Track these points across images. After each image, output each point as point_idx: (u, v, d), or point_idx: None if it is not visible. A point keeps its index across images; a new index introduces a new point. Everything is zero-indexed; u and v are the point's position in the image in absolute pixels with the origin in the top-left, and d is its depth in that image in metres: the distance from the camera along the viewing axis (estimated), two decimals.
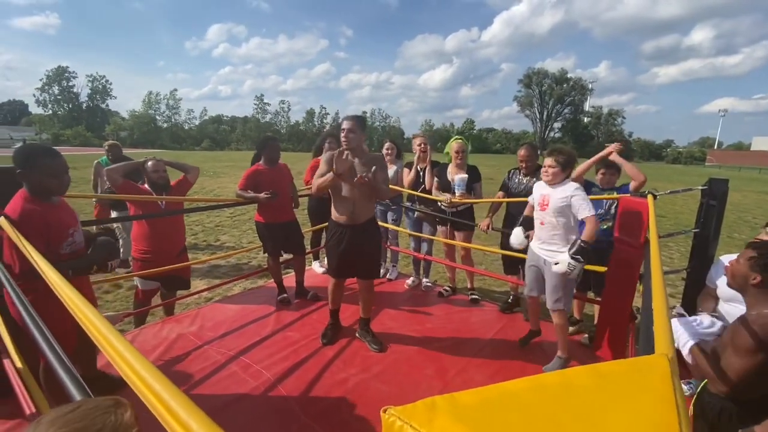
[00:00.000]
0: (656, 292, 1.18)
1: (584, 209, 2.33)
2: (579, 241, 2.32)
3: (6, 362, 1.81)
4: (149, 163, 3.04)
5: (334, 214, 2.74)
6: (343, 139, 2.61)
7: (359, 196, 2.65)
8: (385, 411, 0.47)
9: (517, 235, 2.73)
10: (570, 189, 2.39)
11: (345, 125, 2.62)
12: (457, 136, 3.61)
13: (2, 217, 1.63)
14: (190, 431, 0.50)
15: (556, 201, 2.42)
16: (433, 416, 0.45)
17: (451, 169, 3.58)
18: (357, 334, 2.99)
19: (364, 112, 79.33)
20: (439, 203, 3.64)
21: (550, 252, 2.50)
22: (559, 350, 2.61)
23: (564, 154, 2.44)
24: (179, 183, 3.21)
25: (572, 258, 2.30)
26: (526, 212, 2.83)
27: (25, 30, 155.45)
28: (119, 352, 0.62)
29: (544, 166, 2.48)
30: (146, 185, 3.05)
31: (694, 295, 2.79)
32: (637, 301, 2.79)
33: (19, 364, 1.34)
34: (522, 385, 0.50)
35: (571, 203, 2.36)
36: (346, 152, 2.59)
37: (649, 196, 2.45)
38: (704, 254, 2.72)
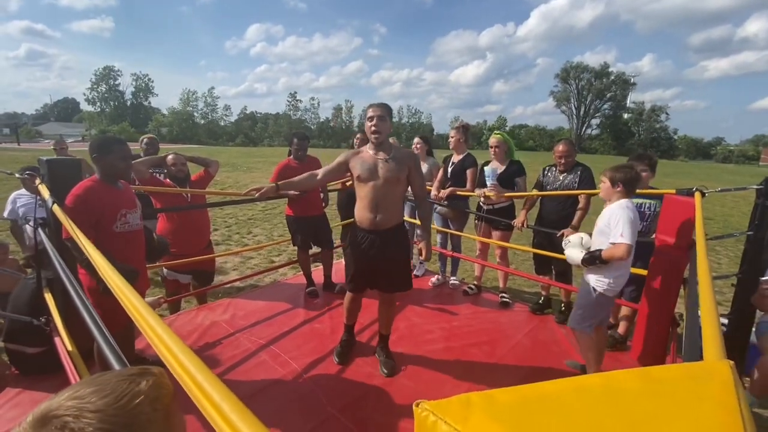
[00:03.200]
0: (704, 297, 1.10)
1: (616, 233, 2.04)
2: (598, 254, 2.13)
3: (57, 340, 1.96)
4: (169, 157, 3.13)
5: (357, 218, 2.42)
6: (373, 128, 2.26)
7: (384, 199, 2.32)
8: (417, 405, 0.46)
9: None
10: (615, 206, 2.12)
11: (373, 112, 2.26)
12: (496, 131, 3.58)
13: (55, 204, 1.75)
14: (224, 414, 0.51)
15: (602, 220, 2.19)
16: (468, 413, 0.43)
17: (490, 164, 3.53)
18: (376, 353, 2.68)
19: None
20: (480, 201, 3.59)
21: (590, 275, 2.28)
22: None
23: (618, 170, 2.17)
24: (200, 177, 3.30)
25: (583, 261, 2.18)
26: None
27: (83, 33, 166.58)
28: (159, 336, 0.65)
29: (600, 182, 2.30)
30: (167, 179, 3.14)
31: (745, 302, 2.61)
32: (680, 308, 2.63)
33: (68, 343, 1.44)
34: (563, 386, 0.46)
35: (610, 222, 2.11)
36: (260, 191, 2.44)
37: (697, 194, 2.29)
38: (757, 259, 2.53)
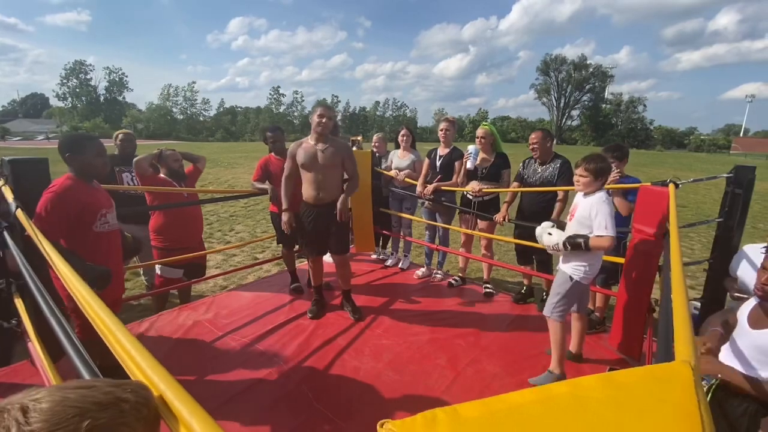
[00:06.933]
0: (675, 284, 1.13)
1: (601, 227, 2.10)
2: (584, 239, 2.15)
3: (30, 345, 1.89)
4: (168, 152, 3.09)
5: (304, 196, 2.96)
6: (320, 126, 2.78)
7: (324, 180, 2.87)
8: (382, 425, 0.45)
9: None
10: (596, 200, 2.17)
11: (323, 112, 2.81)
12: (484, 123, 3.63)
13: (19, 209, 1.68)
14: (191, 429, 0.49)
15: (580, 212, 2.24)
16: (433, 431, 0.42)
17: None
18: (341, 303, 3.25)
19: (377, 102, 79.07)
20: (465, 192, 3.61)
21: (567, 264, 2.33)
22: (551, 364, 2.38)
23: (596, 161, 2.21)
24: (190, 173, 3.29)
25: (564, 244, 2.19)
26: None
27: (57, 26, 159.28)
28: (125, 348, 0.62)
29: (575, 175, 2.29)
30: (162, 175, 3.09)
31: (716, 286, 2.71)
32: (656, 293, 2.72)
33: (39, 349, 1.39)
34: (529, 397, 0.46)
35: (591, 215, 2.16)
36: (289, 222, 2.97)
37: (671, 185, 2.35)
38: (727, 245, 2.62)
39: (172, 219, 3.05)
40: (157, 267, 3.14)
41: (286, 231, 2.98)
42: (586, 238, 2.16)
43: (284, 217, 2.96)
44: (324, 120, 2.79)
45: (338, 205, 2.89)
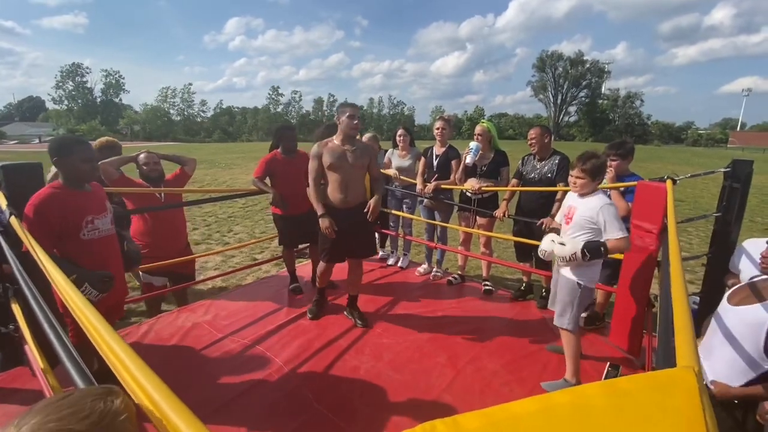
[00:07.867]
0: (675, 280, 1.13)
1: (614, 228, 2.03)
2: (602, 244, 2.04)
3: (27, 350, 1.88)
4: (141, 155, 3.00)
5: (328, 199, 2.80)
6: (355, 126, 2.73)
7: (351, 181, 2.76)
8: None
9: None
10: (598, 202, 2.10)
11: (354, 112, 2.73)
12: (482, 120, 3.65)
13: (12, 216, 1.66)
14: None
15: (580, 215, 2.15)
16: None
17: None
18: (345, 312, 3.11)
19: (372, 99, 79.08)
20: (464, 190, 3.61)
21: (570, 270, 2.23)
22: (566, 373, 2.31)
23: (592, 160, 2.12)
24: (176, 176, 3.17)
25: (583, 252, 2.03)
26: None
27: (54, 29, 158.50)
28: (114, 352, 0.62)
29: (571, 176, 2.20)
30: (139, 179, 3.01)
31: (715, 281, 2.71)
32: (655, 288, 2.72)
33: (37, 355, 1.38)
34: (530, 407, 0.45)
35: (598, 220, 2.08)
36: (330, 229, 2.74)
37: (668, 181, 2.35)
38: (726, 239, 2.63)
39: (149, 226, 2.94)
40: (142, 274, 3.10)
41: (329, 235, 2.75)
42: (603, 244, 2.05)
43: (324, 222, 2.72)
44: (357, 121, 2.74)
45: (371, 202, 2.75)
